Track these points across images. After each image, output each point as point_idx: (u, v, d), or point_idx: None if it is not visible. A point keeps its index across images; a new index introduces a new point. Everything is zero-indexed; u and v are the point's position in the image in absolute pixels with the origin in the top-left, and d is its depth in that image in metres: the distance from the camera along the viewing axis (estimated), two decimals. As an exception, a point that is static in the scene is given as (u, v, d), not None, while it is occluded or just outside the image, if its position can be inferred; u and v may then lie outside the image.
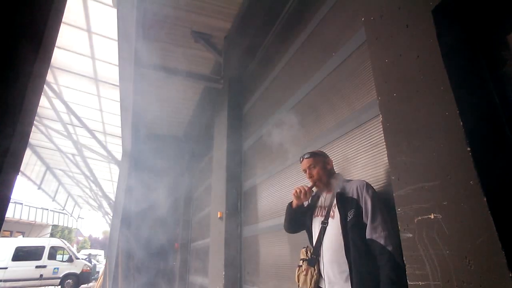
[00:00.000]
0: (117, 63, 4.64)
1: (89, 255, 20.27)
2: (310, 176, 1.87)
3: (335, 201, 1.74)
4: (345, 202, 1.68)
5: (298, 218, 1.96)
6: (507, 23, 1.27)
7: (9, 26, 0.81)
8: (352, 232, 1.58)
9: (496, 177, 1.11)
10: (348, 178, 1.92)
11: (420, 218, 1.27)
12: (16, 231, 19.50)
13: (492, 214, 1.03)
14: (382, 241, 1.48)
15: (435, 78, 1.28)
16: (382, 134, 1.57)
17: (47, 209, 22.17)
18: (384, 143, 1.54)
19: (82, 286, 12.90)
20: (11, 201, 0.85)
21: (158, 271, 7.18)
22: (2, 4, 0.80)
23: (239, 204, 4.18)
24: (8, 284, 11.29)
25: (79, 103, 7.36)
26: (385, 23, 1.62)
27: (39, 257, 12.17)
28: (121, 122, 6.46)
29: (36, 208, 21.08)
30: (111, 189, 14.58)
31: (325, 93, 2.60)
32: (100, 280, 8.80)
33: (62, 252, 12.91)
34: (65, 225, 26.01)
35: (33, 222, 20.85)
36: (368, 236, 1.54)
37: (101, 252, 25.89)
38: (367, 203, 1.59)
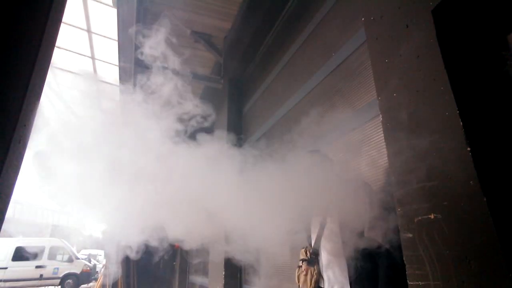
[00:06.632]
0: (117, 63, 4.63)
1: (89, 255, 20.24)
2: None
3: (334, 200, 1.74)
4: (344, 201, 1.68)
5: None
6: (507, 23, 1.26)
7: (9, 26, 0.81)
8: (351, 231, 1.59)
9: (496, 177, 1.11)
10: (348, 178, 1.92)
11: (420, 218, 1.27)
12: (16, 231, 19.48)
13: (492, 214, 1.03)
14: (380, 239, 1.49)
15: (435, 78, 1.28)
16: (382, 134, 1.57)
17: (47, 209, 22.15)
18: (384, 143, 1.54)
19: (82, 286, 12.89)
20: (11, 201, 0.84)
21: (158, 270, 7.17)
22: (1, 4, 0.80)
23: (239, 204, 4.17)
24: (8, 284, 11.27)
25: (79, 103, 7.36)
26: (385, 23, 1.62)
27: (39, 257, 12.16)
28: (121, 122, 6.46)
29: (36, 208, 21.07)
30: (111, 189, 14.56)
31: (325, 93, 2.60)
32: (100, 280, 8.79)
33: (62, 252, 12.90)
34: (65, 225, 26.00)
35: (33, 222, 20.83)
36: (366, 234, 1.55)
37: (101, 252, 25.85)
38: (366, 202, 1.60)
